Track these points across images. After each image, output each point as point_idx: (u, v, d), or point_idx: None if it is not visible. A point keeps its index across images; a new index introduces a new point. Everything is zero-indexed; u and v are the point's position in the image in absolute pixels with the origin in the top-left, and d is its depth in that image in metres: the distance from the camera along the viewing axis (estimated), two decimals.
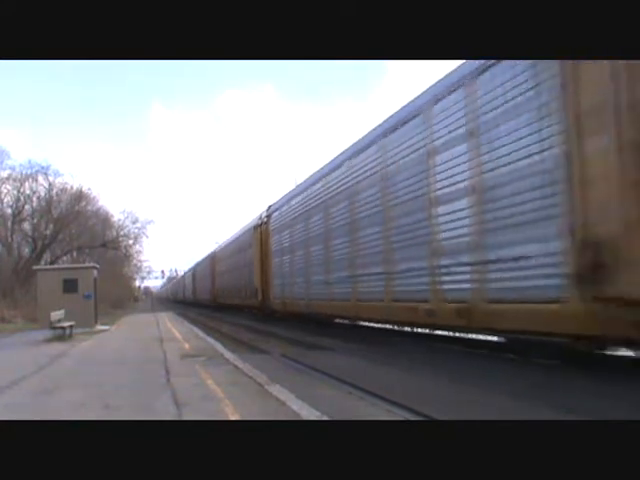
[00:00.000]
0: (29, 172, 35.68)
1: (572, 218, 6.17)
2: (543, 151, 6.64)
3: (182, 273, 72.30)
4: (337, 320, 15.03)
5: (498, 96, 7.42)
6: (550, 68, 6.49)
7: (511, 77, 7.19)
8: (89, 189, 40.73)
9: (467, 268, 8.03)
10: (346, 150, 13.02)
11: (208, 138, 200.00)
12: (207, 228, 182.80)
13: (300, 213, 16.29)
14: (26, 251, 36.40)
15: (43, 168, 36.06)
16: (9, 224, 35.04)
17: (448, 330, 10.18)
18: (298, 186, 17.45)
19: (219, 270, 33.29)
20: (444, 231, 8.58)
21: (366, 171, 11.54)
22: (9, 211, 35.57)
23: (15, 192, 35.69)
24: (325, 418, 4.65)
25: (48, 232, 36.06)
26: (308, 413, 4.84)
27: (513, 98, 7.13)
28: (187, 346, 11.96)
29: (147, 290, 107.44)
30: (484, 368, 7.91)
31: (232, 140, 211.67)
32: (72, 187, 38.18)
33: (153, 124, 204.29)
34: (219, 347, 11.52)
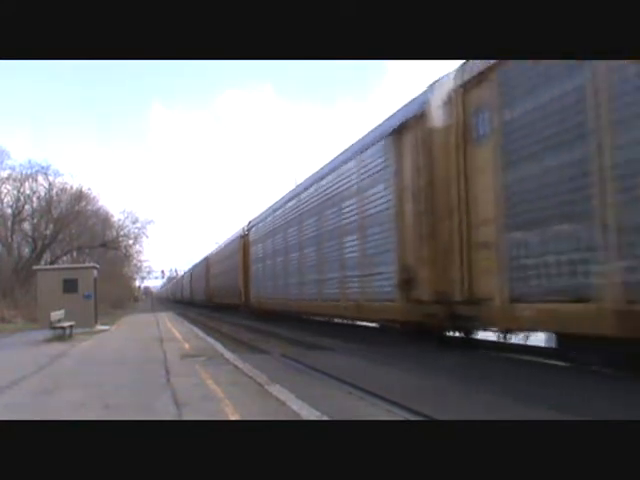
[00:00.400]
0: (29, 172, 35.78)
1: (398, 252, 10.68)
2: (388, 209, 11.06)
3: (182, 273, 72.65)
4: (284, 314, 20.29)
5: (370, 169, 11.96)
6: (389, 159, 11.01)
7: (375, 158, 11.68)
8: (89, 189, 40.86)
9: (357, 279, 12.68)
10: (294, 190, 18.85)
11: (208, 138, 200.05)
12: (207, 228, 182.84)
13: (266, 233, 22.02)
14: (26, 251, 36.43)
15: (43, 168, 36.15)
16: (9, 224, 35.05)
17: (349, 319, 15.39)
18: (266, 211, 22.74)
19: (212, 273, 37.29)
20: (347, 253, 13.26)
21: (310, 204, 16.30)
22: (9, 211, 35.64)
23: (15, 192, 35.79)
24: (325, 418, 4.65)
25: (48, 232, 36.08)
26: (308, 413, 4.84)
27: (376, 172, 11.67)
28: (187, 346, 11.96)
29: (147, 290, 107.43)
30: (484, 368, 7.92)
31: (232, 140, 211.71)
32: (72, 187, 38.30)
33: (153, 124, 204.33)
34: (219, 347, 11.52)
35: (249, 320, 23.64)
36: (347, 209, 13.15)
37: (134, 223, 42.69)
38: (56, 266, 29.44)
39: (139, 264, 54.14)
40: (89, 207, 40.67)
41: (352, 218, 12.84)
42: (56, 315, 15.07)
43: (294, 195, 18.19)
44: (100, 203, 43.40)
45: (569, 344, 7.12)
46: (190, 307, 50.65)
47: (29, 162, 36.89)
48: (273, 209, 21.13)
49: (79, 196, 38.46)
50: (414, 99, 10.54)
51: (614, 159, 6.03)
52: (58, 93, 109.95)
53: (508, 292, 7.62)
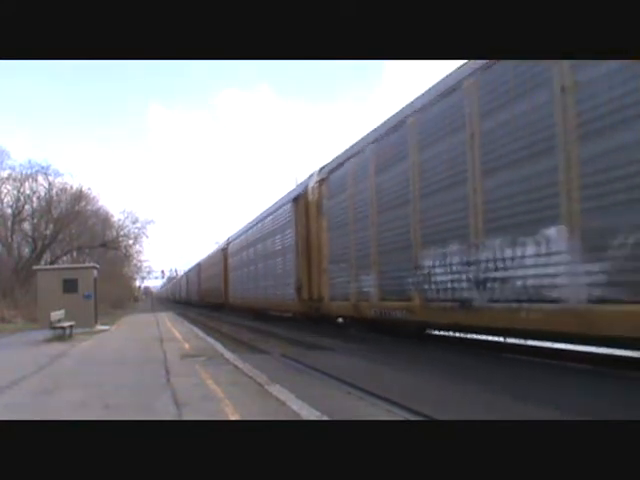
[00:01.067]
0: (29, 172, 35.75)
1: (296, 269, 16.71)
2: (292, 244, 17.43)
3: (182, 273, 72.86)
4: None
5: (285, 218, 18.65)
6: (291, 215, 17.57)
7: (286, 213, 18.38)
8: (89, 189, 40.84)
9: (280, 286, 18.94)
10: (252, 221, 25.52)
11: (207, 138, 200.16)
12: (207, 228, 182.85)
13: (237, 250, 28.59)
14: (26, 251, 36.41)
15: (43, 168, 36.13)
16: (9, 224, 35.03)
17: (276, 312, 22.40)
18: (238, 232, 29.32)
19: (203, 277, 43.23)
20: (277, 269, 19.66)
21: (260, 234, 22.94)
22: (9, 211, 35.60)
23: (15, 192, 35.75)
24: (325, 418, 4.65)
25: (48, 232, 36.06)
26: (308, 413, 4.84)
27: (287, 221, 18.23)
28: (187, 346, 11.96)
29: (147, 290, 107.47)
30: (484, 369, 7.92)
31: (231, 140, 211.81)
32: (72, 187, 38.28)
33: (153, 124, 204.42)
34: (219, 347, 11.52)
35: (249, 320, 23.65)
36: (276, 241, 19.98)
37: (134, 223, 42.77)
38: (56, 266, 29.42)
39: (139, 264, 54.25)
40: (89, 207, 40.71)
41: (278, 247, 19.72)
42: (56, 315, 15.07)
43: (252, 225, 25.38)
44: (100, 203, 43.49)
45: (347, 322, 14.72)
46: (189, 307, 50.68)
47: (29, 162, 37.10)
48: (242, 231, 28.08)
49: (79, 196, 38.46)
50: (302, 182, 17.61)
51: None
52: (58, 93, 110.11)
53: (329, 295, 14.36)
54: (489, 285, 8.02)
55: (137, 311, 42.62)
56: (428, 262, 9.61)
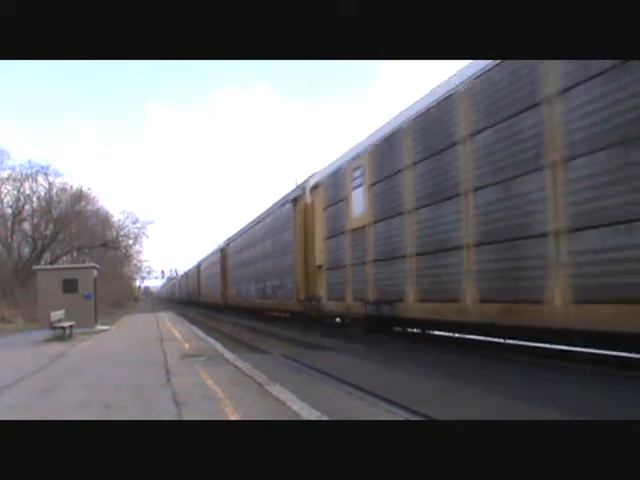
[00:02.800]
0: (29, 172, 35.71)
1: (294, 270, 18.06)
2: (291, 245, 18.37)
3: (182, 273, 73.07)
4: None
5: (284, 220, 19.36)
6: (291, 215, 18.24)
7: (286, 214, 19.19)
8: (89, 189, 40.81)
9: (278, 286, 20.01)
10: (249, 224, 26.97)
11: (207, 138, 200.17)
12: (207, 228, 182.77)
13: (236, 250, 29.77)
14: (26, 251, 36.38)
15: (43, 168, 36.08)
16: (9, 224, 34.99)
17: (276, 312, 22.90)
18: (236, 233, 30.83)
19: (202, 276, 44.65)
20: (276, 269, 20.40)
21: (257, 236, 24.05)
22: (9, 211, 35.56)
23: (15, 192, 35.70)
24: (325, 418, 4.65)
25: (48, 232, 36.03)
26: (308, 413, 4.84)
27: (286, 222, 18.97)
28: (187, 346, 11.96)
29: (147, 290, 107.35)
30: (485, 369, 7.92)
31: (231, 140, 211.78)
32: (72, 187, 38.24)
33: (154, 124, 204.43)
34: (219, 347, 11.52)
35: (249, 320, 23.65)
36: (275, 242, 20.61)
37: (134, 223, 42.75)
38: (56, 266, 29.40)
39: (139, 264, 54.22)
40: (89, 207, 40.68)
41: (277, 248, 20.38)
42: (56, 315, 15.06)
43: (252, 226, 25.68)
44: (100, 203, 43.48)
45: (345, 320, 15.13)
46: (189, 307, 50.68)
47: (29, 162, 37.04)
48: (241, 232, 28.91)
49: (79, 196, 38.43)
50: (300, 184, 18.06)
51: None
52: (58, 93, 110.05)
53: (326, 295, 15.12)
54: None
55: (137, 311, 42.59)
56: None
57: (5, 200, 35.56)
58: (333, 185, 14.59)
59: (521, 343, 9.01)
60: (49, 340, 14.06)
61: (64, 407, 5.61)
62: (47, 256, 36.31)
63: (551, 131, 7.23)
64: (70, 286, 19.48)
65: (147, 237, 44.61)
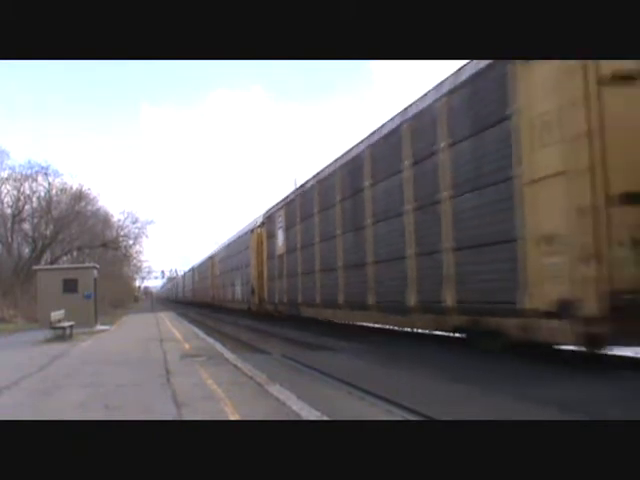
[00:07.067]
0: (29, 172, 35.69)
1: (252, 280, 24.80)
2: (249, 261, 26.07)
3: (181, 274, 73.40)
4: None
5: (245, 243, 27.11)
6: (248, 241, 26.31)
7: (246, 239, 27.12)
8: (89, 189, 40.71)
9: (246, 289, 26.27)
10: (227, 240, 34.76)
11: (208, 138, 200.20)
12: (207, 228, 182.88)
13: (220, 260, 36.31)
14: (26, 251, 36.38)
15: (43, 168, 36.05)
16: (9, 224, 34.99)
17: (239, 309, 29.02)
18: (220, 247, 37.73)
19: (196, 279, 51.77)
20: (243, 277, 27.36)
21: (230, 251, 31.91)
22: (9, 211, 35.54)
23: (15, 192, 35.70)
24: (325, 418, 4.65)
25: (48, 232, 36.03)
26: (308, 413, 4.84)
27: (246, 246, 27.08)
28: (187, 346, 11.96)
29: (147, 290, 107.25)
30: (485, 369, 7.91)
31: (231, 140, 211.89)
32: (72, 187, 38.21)
33: (154, 124, 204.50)
34: (219, 347, 11.52)
35: (249, 320, 23.66)
36: (241, 258, 27.75)
37: (134, 223, 42.68)
38: (56, 266, 29.42)
39: (139, 264, 54.15)
40: (89, 207, 40.62)
41: (243, 262, 27.17)
42: (56, 315, 15.05)
43: (230, 242, 32.98)
44: (100, 203, 43.35)
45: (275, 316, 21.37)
46: (189, 307, 50.70)
47: (29, 162, 36.87)
48: (224, 246, 35.66)
49: (79, 196, 38.40)
50: (254, 219, 25.47)
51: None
52: (58, 93, 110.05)
53: (267, 298, 21.74)
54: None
55: (137, 311, 42.57)
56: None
57: (5, 200, 35.62)
58: (269, 223, 22.21)
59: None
60: (49, 340, 14.05)
61: (64, 407, 5.60)
62: (47, 256, 36.30)
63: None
64: (70, 286, 19.48)
65: (147, 237, 44.55)
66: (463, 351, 9.72)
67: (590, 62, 5.99)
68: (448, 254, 8.80)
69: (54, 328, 14.50)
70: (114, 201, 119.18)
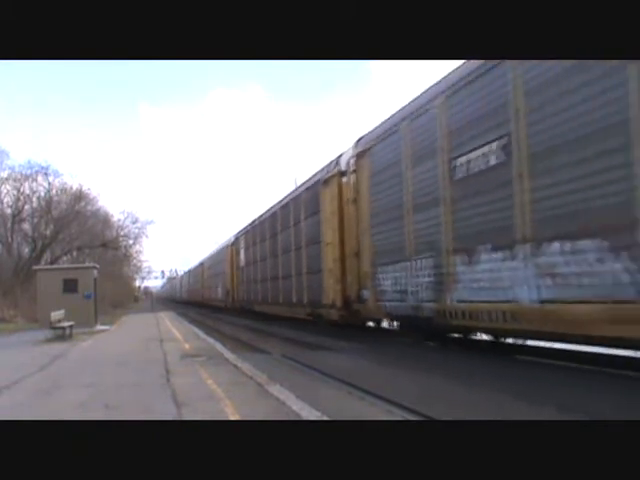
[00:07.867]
0: (29, 172, 35.66)
1: (226, 282, 31.88)
2: (224, 271, 33.19)
3: (181, 274, 73.64)
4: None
5: (220, 254, 35.23)
6: (225, 258, 32.97)
7: (222, 251, 34.82)
8: (89, 189, 40.68)
9: (221, 291, 34.22)
10: (211, 252, 41.38)
11: (208, 138, 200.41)
12: (207, 228, 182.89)
13: (209, 266, 40.25)
14: (26, 251, 36.33)
15: (43, 168, 36.00)
16: (9, 224, 34.97)
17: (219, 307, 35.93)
18: (210, 255, 41.04)
19: (191, 281, 56.33)
20: (222, 280, 33.62)
21: (211, 262, 39.39)
22: (9, 211, 35.51)
23: (15, 192, 35.65)
24: (325, 418, 4.65)
25: (48, 232, 35.99)
26: (308, 413, 4.84)
27: (222, 258, 33.62)
28: (187, 346, 11.96)
29: (147, 290, 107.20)
30: (485, 369, 7.92)
31: (230, 140, 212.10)
32: (72, 187, 38.16)
33: (154, 124, 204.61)
34: (219, 347, 11.53)
35: (249, 320, 23.67)
36: (221, 266, 33.28)
37: (134, 223, 42.65)
38: (56, 266, 29.40)
39: (139, 264, 54.14)
40: (89, 207, 40.55)
41: (222, 270, 32.54)
42: (56, 315, 15.06)
43: (212, 255, 38.22)
44: (100, 203, 43.31)
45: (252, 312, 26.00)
46: (188, 307, 50.76)
47: (29, 162, 36.87)
48: (210, 256, 39.98)
49: (79, 196, 38.36)
50: (233, 235, 31.20)
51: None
52: (58, 93, 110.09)
53: (242, 297, 27.38)
54: None
55: (137, 311, 42.57)
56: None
57: (5, 200, 35.57)
58: (236, 243, 28.94)
59: (520, 343, 9.02)
60: (49, 340, 14.06)
61: (64, 407, 5.61)
62: (47, 256, 36.27)
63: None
64: (70, 286, 19.49)
65: (147, 237, 44.58)
66: (462, 351, 9.74)
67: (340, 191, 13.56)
68: (305, 275, 16.26)
69: (54, 328, 14.51)
70: (114, 201, 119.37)
